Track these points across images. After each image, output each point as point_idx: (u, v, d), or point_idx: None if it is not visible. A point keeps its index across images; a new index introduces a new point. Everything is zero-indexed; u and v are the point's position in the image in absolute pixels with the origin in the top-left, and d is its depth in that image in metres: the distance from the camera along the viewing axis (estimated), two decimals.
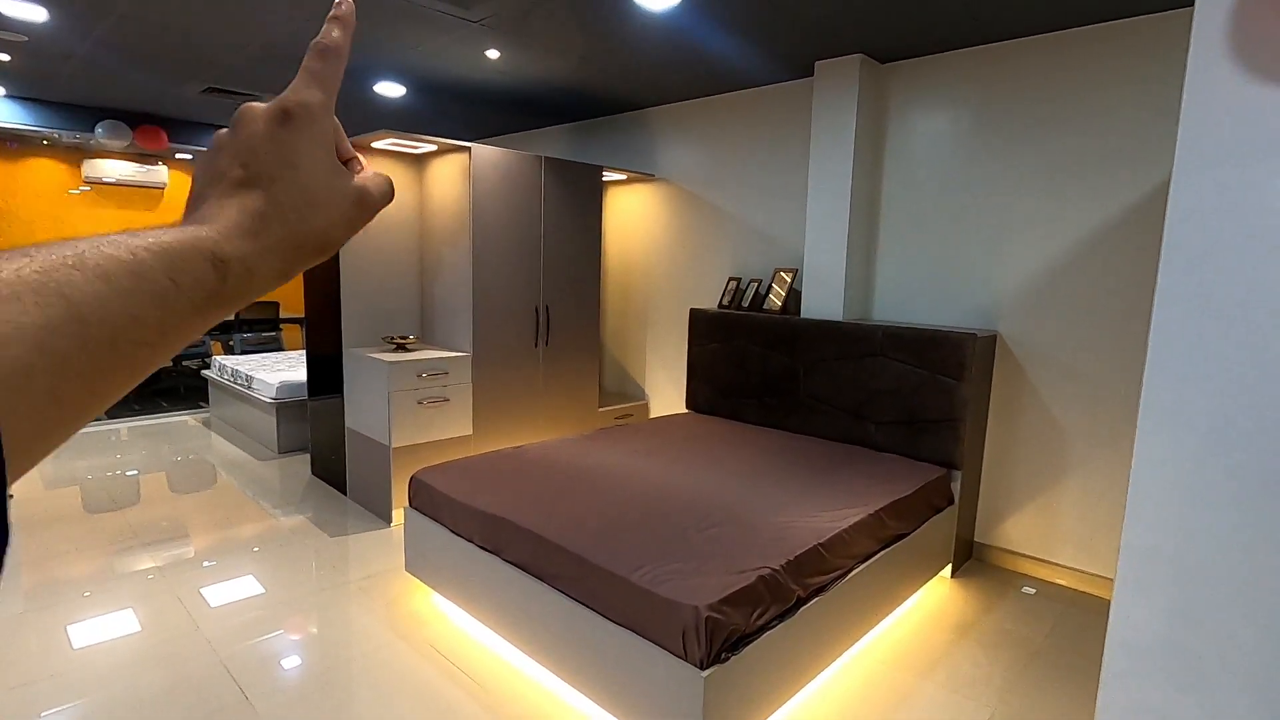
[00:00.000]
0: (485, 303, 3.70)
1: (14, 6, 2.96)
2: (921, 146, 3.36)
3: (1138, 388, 2.09)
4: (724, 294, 4.10)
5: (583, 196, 4.12)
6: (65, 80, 4.28)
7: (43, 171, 6.79)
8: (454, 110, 4.73)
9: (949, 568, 3.09)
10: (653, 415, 4.71)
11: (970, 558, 3.32)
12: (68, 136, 5.59)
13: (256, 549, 3.21)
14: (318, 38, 0.38)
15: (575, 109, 4.64)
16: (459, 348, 3.75)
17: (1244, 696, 1.30)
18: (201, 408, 5.87)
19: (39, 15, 3.05)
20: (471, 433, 3.74)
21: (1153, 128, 2.72)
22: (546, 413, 4.07)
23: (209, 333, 6.44)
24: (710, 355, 3.95)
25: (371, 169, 0.41)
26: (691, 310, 4.05)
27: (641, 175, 4.50)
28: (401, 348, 3.70)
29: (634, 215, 4.75)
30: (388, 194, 0.41)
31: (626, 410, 4.58)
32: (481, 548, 2.41)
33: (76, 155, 6.88)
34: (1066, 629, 2.70)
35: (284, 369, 5.14)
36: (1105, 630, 1.45)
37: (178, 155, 7.44)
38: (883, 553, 2.48)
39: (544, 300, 3.99)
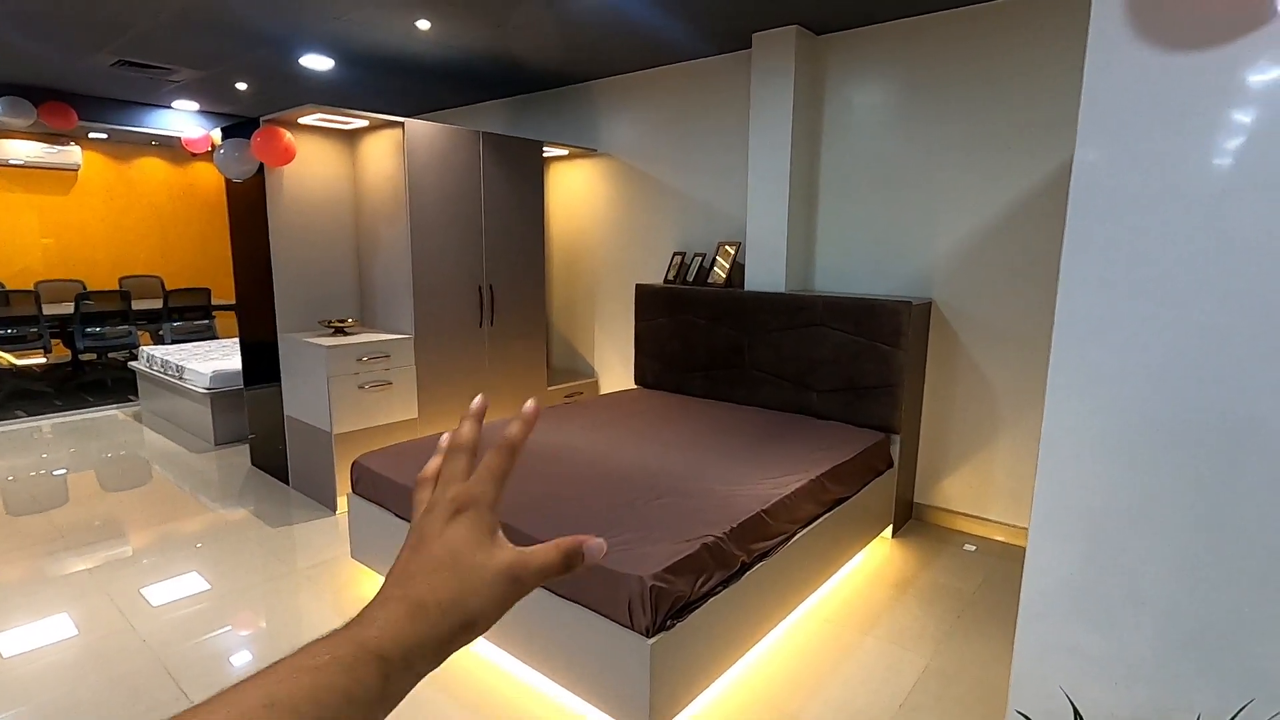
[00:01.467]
0: (426, 283, 3.62)
1: None
2: (857, 118, 3.41)
3: None
4: (669, 269, 4.11)
5: (524, 172, 4.05)
6: None
7: None
8: (387, 85, 4.57)
9: (889, 529, 3.21)
10: (603, 392, 4.72)
11: (910, 518, 3.45)
12: None
13: (199, 545, 3.10)
14: (510, 431, 0.41)
15: (514, 83, 4.54)
16: (400, 330, 3.67)
17: (1148, 630, 1.40)
18: (131, 401, 5.61)
19: None
20: (417, 416, 3.68)
21: (1076, 98, 2.82)
22: (494, 393, 4.03)
23: (136, 322, 6.13)
24: (657, 330, 3.97)
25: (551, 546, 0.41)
26: (637, 286, 4.05)
27: (583, 150, 4.45)
28: (340, 331, 3.60)
29: (577, 191, 4.70)
30: (552, 567, 0.41)
31: (576, 388, 4.58)
32: None
33: None
34: (996, 580, 2.85)
35: (217, 357, 4.94)
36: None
37: (90, 135, 7.01)
38: (825, 516, 2.56)
39: (487, 279, 3.93)
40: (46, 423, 5.04)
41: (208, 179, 7.99)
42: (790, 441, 2.94)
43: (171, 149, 7.63)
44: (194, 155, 7.63)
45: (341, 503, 3.42)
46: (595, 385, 4.72)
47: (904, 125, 3.27)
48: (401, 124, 3.43)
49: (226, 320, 7.21)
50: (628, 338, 4.52)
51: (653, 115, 4.20)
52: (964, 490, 3.32)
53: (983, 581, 2.84)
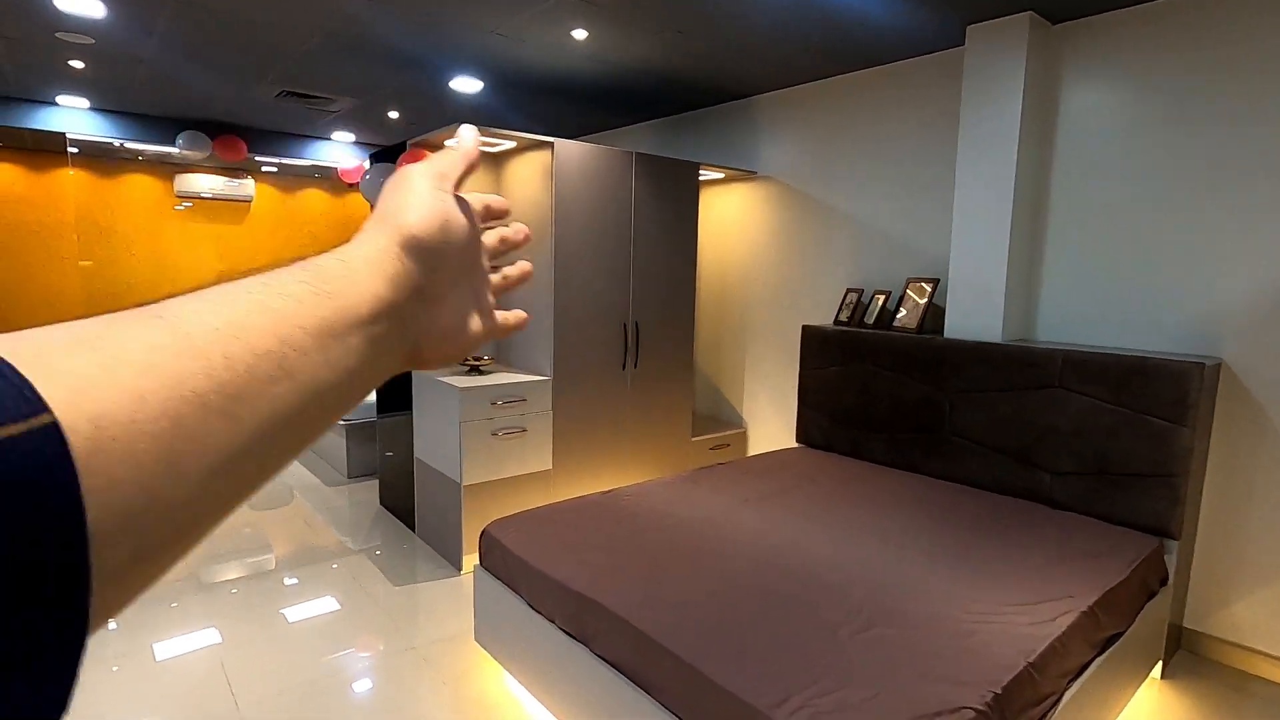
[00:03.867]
0: (568, 319, 3.25)
1: (71, 3, 2.73)
2: (1105, 126, 2.68)
3: None
4: (841, 308, 3.50)
5: (677, 198, 3.62)
6: (141, 87, 4.15)
7: (138, 188, 6.91)
8: (535, 109, 4.34)
9: (1158, 666, 2.39)
10: (752, 445, 4.14)
11: (1179, 648, 2.59)
12: (151, 149, 5.57)
13: (312, 607, 2.85)
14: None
15: (667, 101, 4.15)
16: (538, 370, 3.32)
17: None
18: None
19: (97, 10, 2.83)
20: (551, 467, 3.29)
21: None
22: (634, 443, 3.58)
23: None
24: (827, 380, 3.36)
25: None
26: (805, 328, 3.47)
27: (741, 173, 3.96)
28: (475, 369, 3.30)
29: (731, 218, 4.21)
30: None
31: (722, 440, 4.04)
32: (565, 631, 1.92)
33: (168, 170, 6.97)
34: None
35: None
36: None
37: (263, 169, 7.47)
38: (1095, 663, 1.84)
39: (633, 316, 3.51)
40: None
41: (362, 209, 8.32)
42: (1023, 541, 2.23)
43: (330, 180, 8.01)
44: (349, 185, 7.96)
45: (467, 562, 3.07)
46: (743, 438, 4.16)
47: (1174, 134, 2.51)
48: (550, 144, 3.10)
49: None
50: (784, 386, 3.93)
51: (826, 132, 3.64)
52: (1262, 619, 2.43)
53: None
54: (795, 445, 3.56)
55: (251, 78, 3.87)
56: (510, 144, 3.23)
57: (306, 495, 4.12)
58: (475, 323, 0.38)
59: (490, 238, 0.42)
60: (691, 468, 3.87)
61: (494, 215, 0.42)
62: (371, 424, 4.32)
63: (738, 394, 4.24)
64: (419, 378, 3.33)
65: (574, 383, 3.31)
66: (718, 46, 3.12)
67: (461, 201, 0.38)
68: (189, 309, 0.24)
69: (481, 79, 3.75)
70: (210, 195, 7.30)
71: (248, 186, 7.56)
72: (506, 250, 0.43)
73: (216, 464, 0.22)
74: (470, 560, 3.08)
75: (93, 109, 4.75)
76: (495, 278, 0.42)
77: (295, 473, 4.54)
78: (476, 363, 3.27)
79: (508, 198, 3.46)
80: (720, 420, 4.31)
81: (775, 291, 3.96)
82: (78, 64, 3.63)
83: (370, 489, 4.20)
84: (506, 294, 0.43)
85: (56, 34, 3.14)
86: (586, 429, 3.39)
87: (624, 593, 1.85)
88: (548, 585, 1.97)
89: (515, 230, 0.44)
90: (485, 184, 3.51)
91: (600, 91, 3.94)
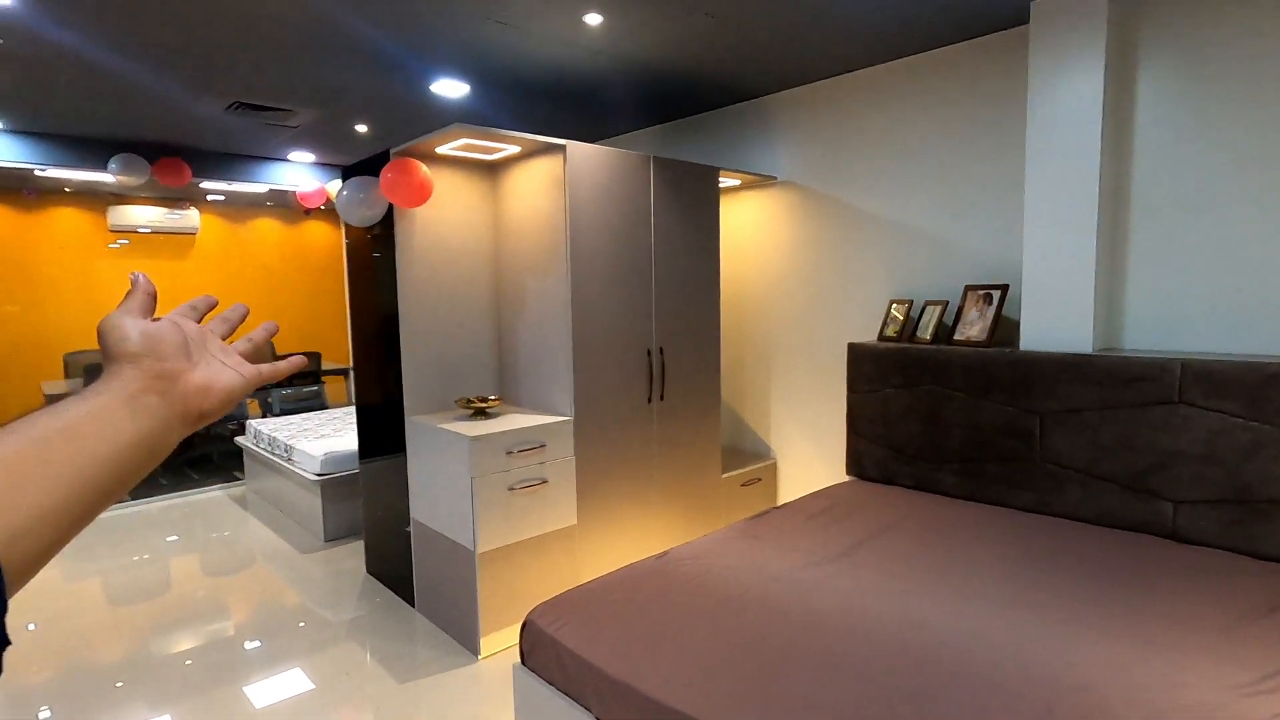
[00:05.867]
0: (588, 348, 2.81)
1: None
2: (1193, 102, 2.39)
3: None
4: (886, 323, 3.14)
5: (698, 206, 3.23)
6: (64, 102, 3.58)
7: (66, 222, 6.21)
8: (525, 111, 3.91)
9: None
10: (784, 479, 3.74)
11: None
12: (79, 176, 4.93)
13: (277, 688, 2.30)
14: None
15: (676, 101, 3.78)
16: (555, 409, 2.85)
17: None
18: (237, 479, 5.08)
19: None
20: (576, 522, 2.81)
21: None
22: (663, 486, 3.14)
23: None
24: (882, 404, 2.98)
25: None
26: (851, 346, 3.09)
27: (759, 178, 3.60)
28: (481, 413, 2.82)
29: (749, 229, 3.84)
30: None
31: (753, 475, 3.62)
32: None
33: (100, 203, 6.30)
34: None
35: (328, 433, 4.31)
36: None
37: (208, 197, 6.84)
38: None
39: (657, 341, 3.08)
40: (153, 506, 4.53)
41: (318, 238, 7.73)
42: (1175, 589, 1.86)
43: (284, 209, 7.41)
44: (306, 212, 7.37)
45: (486, 646, 2.57)
46: (773, 471, 3.75)
47: (1261, 110, 2.22)
48: (562, 148, 2.68)
49: (335, 385, 6.75)
50: (818, 411, 3.55)
51: (852, 133, 3.31)
52: None
53: None
54: (846, 479, 3.17)
55: (198, 86, 3.35)
56: (513, 149, 2.79)
57: (275, 563, 3.53)
58: (226, 376, 0.51)
59: (215, 324, 0.55)
60: (724, 509, 3.44)
61: (203, 310, 0.55)
62: (352, 478, 3.77)
63: (763, 422, 3.83)
64: (414, 426, 2.83)
65: (597, 422, 2.86)
66: (751, 32, 2.76)
67: (159, 320, 0.50)
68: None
69: (468, 81, 3.31)
70: (149, 229, 6.63)
71: (191, 217, 6.90)
72: (235, 324, 0.57)
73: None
74: (491, 643, 2.57)
75: (5, 130, 4.13)
76: (244, 345, 0.55)
77: (260, 538, 3.94)
78: (482, 404, 2.79)
79: (507, 214, 3.02)
80: (746, 452, 3.89)
81: (804, 307, 3.59)
82: None
83: (354, 553, 3.64)
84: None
85: None
86: (612, 474, 2.94)
87: (738, 708, 1.40)
88: (636, 701, 1.51)
89: (231, 310, 0.58)
90: (480, 196, 3.05)
91: (603, 91, 3.54)
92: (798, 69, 3.23)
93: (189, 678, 2.49)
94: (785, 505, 2.69)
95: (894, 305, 3.15)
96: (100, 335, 0.47)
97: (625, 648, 1.65)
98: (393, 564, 3.15)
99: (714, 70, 3.22)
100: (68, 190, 6.06)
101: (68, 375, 5.86)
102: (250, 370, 0.53)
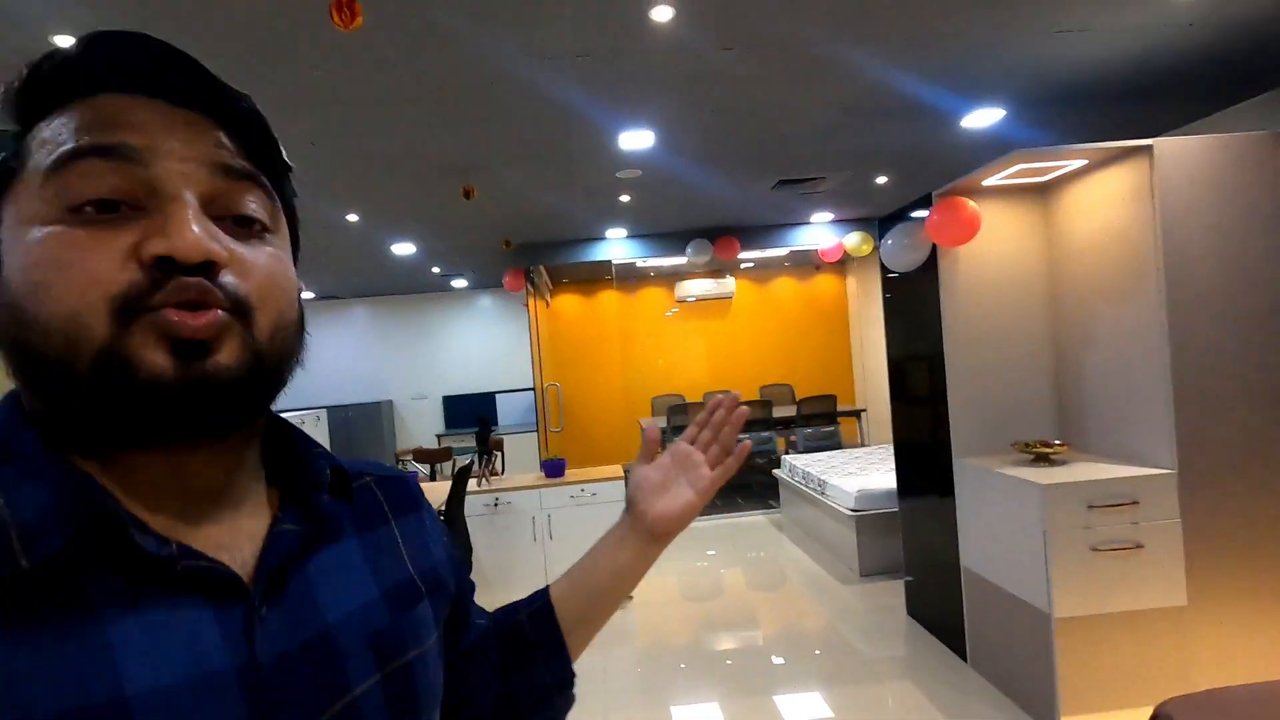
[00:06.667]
0: (1193, 385, 2.26)
1: (631, 138, 3.15)
2: None
3: None
4: None
5: None
6: (665, 206, 4.77)
7: (647, 298, 8.23)
8: (1065, 121, 3.49)
9: None
10: None
11: None
12: (663, 263, 6.48)
13: None
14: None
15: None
16: (1148, 459, 2.37)
17: None
18: (773, 507, 5.77)
19: (647, 141, 3.22)
20: (1186, 603, 2.25)
21: None
22: None
23: (774, 427, 6.48)
24: None
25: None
26: None
27: None
28: (1044, 459, 2.54)
29: None
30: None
31: None
32: None
33: (670, 281, 8.14)
34: None
35: (856, 471, 4.53)
36: None
37: (741, 265, 8.14)
38: None
39: None
40: (704, 523, 5.52)
41: (826, 290, 8.37)
42: None
43: (798, 266, 8.28)
44: (816, 267, 8.07)
45: None
46: None
47: None
48: (1147, 149, 2.27)
49: (846, 426, 7.08)
50: None
51: None
52: None
53: None
54: None
55: (752, 174, 4.05)
56: (1073, 164, 2.51)
57: (809, 588, 3.84)
58: (682, 500, 0.65)
59: (679, 449, 0.68)
60: None
61: (654, 440, 0.70)
62: (886, 516, 3.86)
63: None
64: (964, 469, 2.73)
65: (1214, 480, 2.25)
66: None
67: (652, 463, 0.68)
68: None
69: (1003, 105, 3.14)
70: (696, 298, 8.26)
71: (729, 284, 8.31)
72: (719, 426, 0.69)
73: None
74: None
75: (629, 236, 5.73)
76: (715, 450, 0.68)
77: (795, 561, 4.35)
78: (1045, 450, 2.52)
79: (1064, 237, 2.70)
80: None
81: None
82: (625, 198, 4.32)
83: (892, 593, 3.69)
84: None
85: (617, 174, 3.73)
86: (1240, 550, 2.26)
87: None
88: None
89: (723, 411, 0.69)
90: (1029, 223, 2.82)
91: (1187, 72, 2.90)
92: None
93: (730, 676, 2.88)
94: None
95: None
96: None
97: None
98: (938, 610, 3.07)
99: None
100: (652, 275, 8.05)
101: (653, 414, 7.66)
102: (705, 486, 0.65)
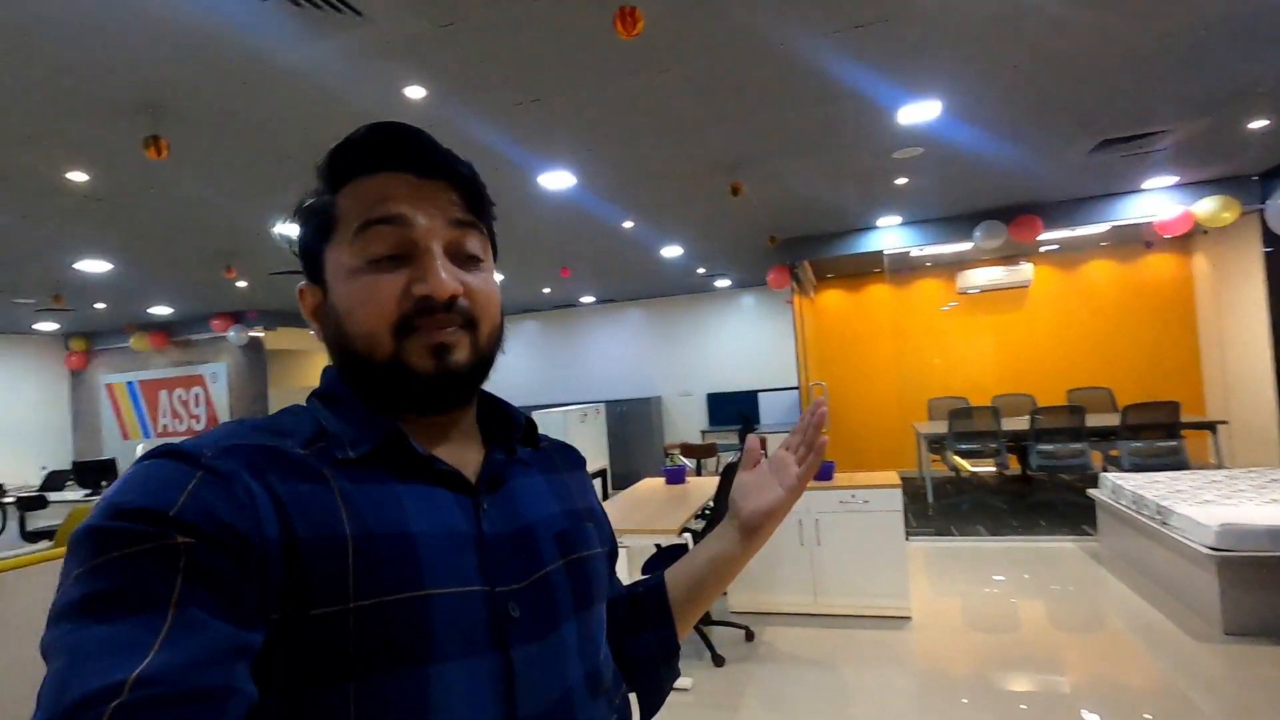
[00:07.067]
0: None
1: (912, 111, 2.86)
2: None
3: None
4: None
5: None
6: (946, 188, 4.28)
7: (923, 291, 7.52)
8: None
9: None
10: None
11: None
12: (942, 250, 5.85)
13: None
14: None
15: None
16: None
17: None
18: (1086, 534, 4.85)
19: (932, 112, 2.89)
20: None
21: None
22: None
23: (1085, 438, 5.44)
24: None
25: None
26: None
27: None
28: None
29: None
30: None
31: None
32: None
33: (951, 270, 7.34)
34: None
35: (1214, 499, 3.57)
36: None
37: (1040, 249, 7.02)
38: None
39: None
40: (992, 544, 4.82)
41: (1161, 274, 6.81)
42: None
43: (1121, 246, 6.87)
44: (1147, 245, 6.63)
45: None
46: None
47: None
48: None
49: (1195, 441, 5.65)
50: None
51: None
52: None
53: None
54: None
55: (1064, 138, 3.42)
56: None
57: (1140, 636, 3.10)
58: (769, 498, 0.71)
59: (776, 456, 0.74)
60: None
61: (756, 450, 0.77)
62: (1274, 561, 2.97)
63: None
64: None
65: None
66: None
67: (753, 469, 0.75)
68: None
69: None
70: (981, 288, 7.30)
71: (1024, 271, 7.22)
72: (815, 435, 0.73)
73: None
74: None
75: (903, 224, 5.28)
76: (802, 451, 0.73)
77: (1120, 601, 3.57)
78: None
79: None
80: None
81: None
82: (901, 180, 3.97)
83: (1273, 662, 2.83)
84: None
85: (893, 154, 3.43)
86: None
87: None
88: None
89: (814, 423, 0.74)
90: None
91: None
92: None
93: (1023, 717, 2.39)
94: None
95: None
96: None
97: None
98: None
99: None
100: (928, 265, 7.34)
101: (930, 417, 6.97)
102: (792, 483, 0.70)
